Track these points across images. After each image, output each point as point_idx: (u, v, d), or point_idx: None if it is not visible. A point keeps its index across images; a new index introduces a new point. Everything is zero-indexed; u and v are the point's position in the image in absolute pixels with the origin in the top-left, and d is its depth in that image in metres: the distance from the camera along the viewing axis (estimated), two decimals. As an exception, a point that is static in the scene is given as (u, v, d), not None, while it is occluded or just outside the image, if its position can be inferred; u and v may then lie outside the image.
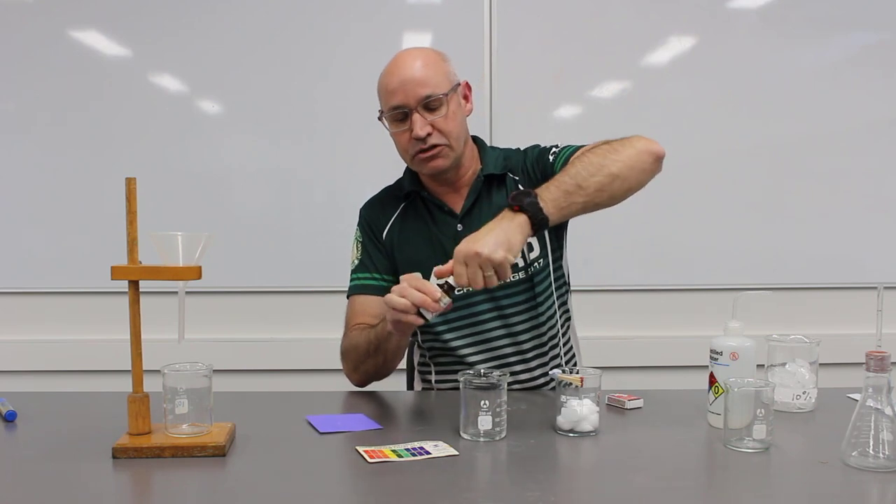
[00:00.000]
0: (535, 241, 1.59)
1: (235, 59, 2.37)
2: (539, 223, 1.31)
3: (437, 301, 1.27)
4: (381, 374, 1.56)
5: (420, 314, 1.28)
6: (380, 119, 1.57)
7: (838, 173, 2.48)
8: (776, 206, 2.49)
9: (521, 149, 1.68)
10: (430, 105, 1.49)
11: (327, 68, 2.38)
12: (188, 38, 2.37)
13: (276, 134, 2.40)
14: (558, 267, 1.65)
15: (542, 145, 1.63)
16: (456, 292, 1.29)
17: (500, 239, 1.27)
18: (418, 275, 1.34)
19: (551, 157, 1.58)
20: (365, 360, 1.53)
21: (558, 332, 1.66)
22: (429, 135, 1.49)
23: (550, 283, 1.63)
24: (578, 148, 1.53)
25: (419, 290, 1.28)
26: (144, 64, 2.37)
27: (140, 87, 2.37)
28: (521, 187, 1.60)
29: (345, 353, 1.57)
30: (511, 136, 2.46)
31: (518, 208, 1.31)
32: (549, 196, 1.34)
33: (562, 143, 1.59)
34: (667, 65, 2.44)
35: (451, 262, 1.29)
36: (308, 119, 2.40)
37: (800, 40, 2.45)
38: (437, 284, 1.29)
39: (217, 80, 2.39)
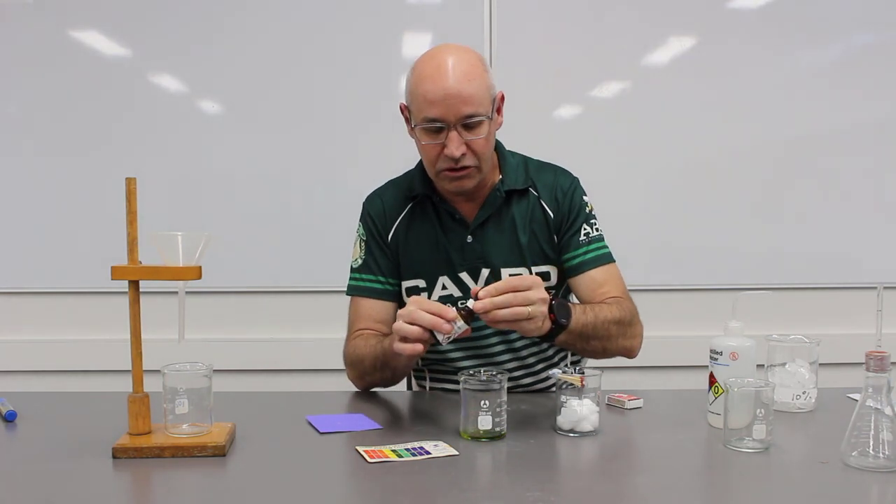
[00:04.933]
0: (553, 273, 1.55)
1: (235, 59, 2.37)
2: (548, 336, 1.31)
3: (450, 321, 1.21)
4: (388, 384, 1.54)
5: (433, 335, 1.23)
6: (403, 115, 1.49)
7: (838, 173, 2.48)
8: (776, 206, 2.49)
9: (556, 168, 1.60)
10: (469, 124, 1.39)
11: (327, 68, 2.38)
12: (188, 38, 2.37)
13: (276, 134, 2.40)
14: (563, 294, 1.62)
15: (585, 198, 1.57)
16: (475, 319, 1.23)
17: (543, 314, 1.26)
18: (424, 297, 1.28)
19: (582, 237, 1.53)
20: (372, 373, 1.50)
21: None
22: (463, 155, 1.40)
23: None
24: (605, 255, 1.53)
25: (430, 312, 1.22)
26: (144, 64, 2.37)
27: (140, 87, 2.36)
28: (544, 205, 1.55)
29: (350, 363, 1.53)
30: (511, 136, 2.45)
31: (553, 317, 1.29)
32: (574, 328, 1.33)
33: (577, 167, 1.59)
34: (667, 65, 2.44)
35: (493, 286, 1.22)
36: (308, 119, 2.40)
37: (800, 40, 2.45)
38: (457, 308, 1.22)
39: (217, 80, 2.38)
